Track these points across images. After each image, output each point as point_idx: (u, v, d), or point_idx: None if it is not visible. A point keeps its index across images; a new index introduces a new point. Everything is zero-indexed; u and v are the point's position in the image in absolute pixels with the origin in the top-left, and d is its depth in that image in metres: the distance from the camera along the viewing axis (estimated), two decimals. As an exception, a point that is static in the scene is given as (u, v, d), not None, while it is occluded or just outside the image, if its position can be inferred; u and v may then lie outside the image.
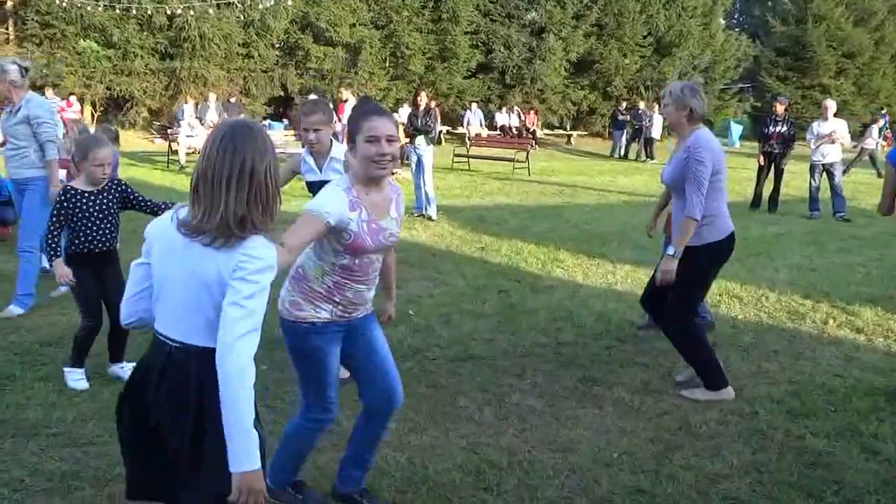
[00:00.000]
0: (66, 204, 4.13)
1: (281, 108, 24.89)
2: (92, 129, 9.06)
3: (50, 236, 4.15)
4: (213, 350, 1.88)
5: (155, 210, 4.26)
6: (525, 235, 9.36)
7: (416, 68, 25.24)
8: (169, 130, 18.24)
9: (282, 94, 24.45)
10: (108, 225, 4.24)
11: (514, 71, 26.47)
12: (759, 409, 4.25)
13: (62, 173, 6.58)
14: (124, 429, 2.11)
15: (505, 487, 3.33)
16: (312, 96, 15.17)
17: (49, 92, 19.34)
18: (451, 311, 6.02)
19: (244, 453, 1.84)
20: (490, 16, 26.53)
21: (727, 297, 6.59)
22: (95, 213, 4.19)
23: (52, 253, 4.16)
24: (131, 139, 20.99)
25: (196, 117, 18.70)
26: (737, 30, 34.76)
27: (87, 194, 4.18)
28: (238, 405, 1.83)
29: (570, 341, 5.37)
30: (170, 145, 17.26)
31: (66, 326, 5.26)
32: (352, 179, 2.72)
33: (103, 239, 4.23)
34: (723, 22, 32.72)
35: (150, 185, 12.98)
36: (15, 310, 5.53)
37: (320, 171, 4.32)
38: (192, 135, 16.63)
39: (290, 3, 21.44)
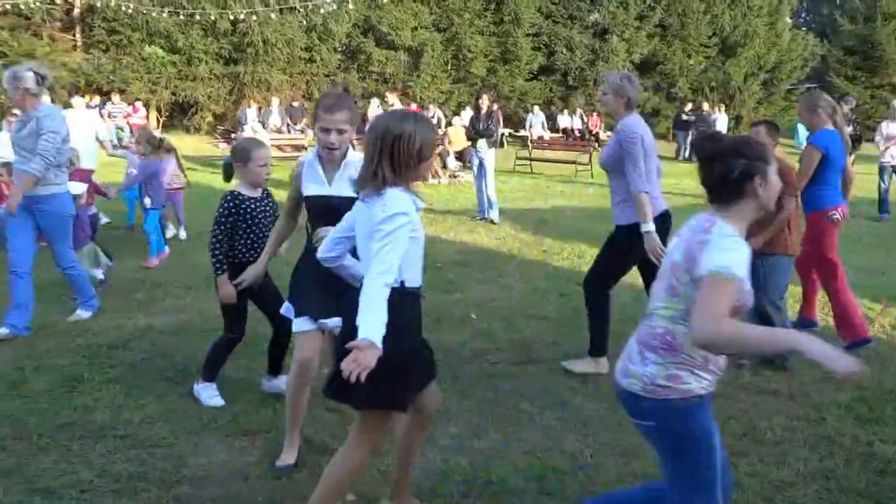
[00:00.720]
0: (234, 210, 3.86)
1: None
2: (157, 134, 9.27)
3: (217, 248, 3.89)
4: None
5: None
6: (587, 238, 9.12)
7: (478, 71, 25.17)
8: (232, 135, 18.54)
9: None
10: (266, 232, 3.93)
11: (577, 73, 26.18)
12: (827, 415, 4.07)
13: (82, 187, 6.50)
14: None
15: (568, 493, 3.23)
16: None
17: (115, 97, 19.93)
18: (513, 314, 5.92)
19: (371, 327, 2.25)
20: (552, 17, 26.30)
21: (792, 301, 6.27)
22: (260, 220, 3.93)
23: (218, 266, 3.89)
24: (195, 144, 21.42)
25: (259, 121, 19.01)
26: (804, 29, 33.60)
27: (253, 200, 3.92)
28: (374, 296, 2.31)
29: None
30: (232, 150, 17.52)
31: (133, 330, 5.34)
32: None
33: (260, 246, 3.91)
34: (789, 21, 31.71)
35: (213, 189, 13.17)
36: (83, 313, 5.50)
37: (329, 184, 3.31)
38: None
39: (351, 7, 21.58)
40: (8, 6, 19.72)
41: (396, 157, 2.42)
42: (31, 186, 4.92)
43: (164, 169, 8.08)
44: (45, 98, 5.52)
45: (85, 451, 3.48)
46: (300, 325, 3.35)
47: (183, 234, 9.01)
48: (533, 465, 3.47)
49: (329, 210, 3.16)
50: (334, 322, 3.18)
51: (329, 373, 2.73)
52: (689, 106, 24.30)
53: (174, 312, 5.79)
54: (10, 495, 3.07)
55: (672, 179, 17.40)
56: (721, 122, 22.03)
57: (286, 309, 3.48)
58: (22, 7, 20.16)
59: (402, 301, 2.47)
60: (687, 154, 23.54)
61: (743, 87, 27.81)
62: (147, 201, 7.57)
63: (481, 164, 10.45)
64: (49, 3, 20.66)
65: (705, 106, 23.90)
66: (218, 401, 4.02)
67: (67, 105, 11.54)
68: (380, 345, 2.23)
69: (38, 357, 4.67)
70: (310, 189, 3.32)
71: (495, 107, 11.62)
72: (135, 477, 3.26)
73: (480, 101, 10.73)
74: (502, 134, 20.39)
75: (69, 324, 5.42)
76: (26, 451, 3.44)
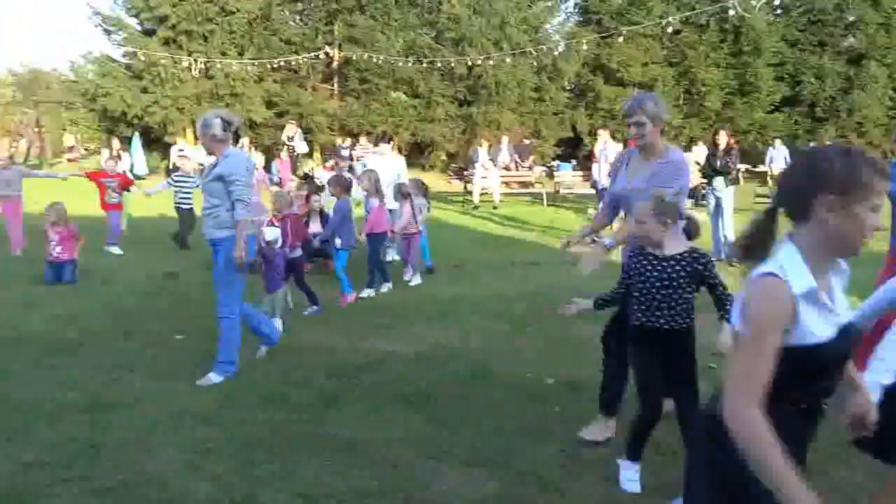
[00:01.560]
0: (631, 264, 3.61)
1: (570, 148, 25.30)
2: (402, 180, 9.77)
3: (610, 299, 3.79)
4: None
5: (723, 301, 3.52)
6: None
7: (713, 104, 24.18)
8: (465, 172, 19.41)
9: (571, 135, 24.89)
10: (678, 299, 3.48)
11: (827, 103, 24.18)
12: None
13: (275, 232, 6.29)
14: None
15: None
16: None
17: (363, 139, 21.70)
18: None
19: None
20: (798, 45, 24.61)
21: None
22: (660, 282, 3.49)
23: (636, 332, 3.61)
24: (430, 180, 22.66)
25: (489, 159, 19.70)
26: None
27: (651, 258, 3.53)
28: None
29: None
30: (465, 186, 18.35)
31: (378, 353, 5.75)
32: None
33: (671, 314, 3.49)
34: None
35: (445, 224, 13.91)
36: (214, 377, 5.06)
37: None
38: (486, 176, 17.47)
39: (585, 48, 21.83)
40: (282, 63, 22.44)
41: None
42: (243, 231, 4.93)
43: (401, 212, 8.50)
44: (244, 143, 5.94)
45: (338, 463, 3.81)
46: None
47: (417, 280, 8.63)
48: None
49: None
50: None
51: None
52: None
53: (413, 340, 6.15)
54: (278, 497, 3.45)
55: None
56: None
57: None
58: (292, 63, 22.87)
59: None
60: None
61: None
62: (338, 242, 7.57)
63: (718, 204, 10.01)
64: (314, 59, 23.22)
65: None
66: (634, 486, 3.55)
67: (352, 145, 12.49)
68: None
69: (299, 373, 5.21)
70: None
71: (733, 142, 11.09)
72: (381, 494, 3.50)
73: (718, 137, 10.31)
74: (738, 169, 19.31)
75: (325, 343, 6.00)
76: (292, 459, 3.84)
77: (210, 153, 5.13)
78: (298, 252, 7.14)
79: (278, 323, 6.17)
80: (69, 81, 24.43)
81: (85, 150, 39.74)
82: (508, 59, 22.03)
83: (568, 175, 19.71)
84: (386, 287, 8.11)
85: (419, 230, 8.76)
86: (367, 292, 7.87)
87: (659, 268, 3.49)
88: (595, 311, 3.84)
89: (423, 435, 4.17)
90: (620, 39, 20.95)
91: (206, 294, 7.36)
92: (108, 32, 22.68)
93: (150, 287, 7.80)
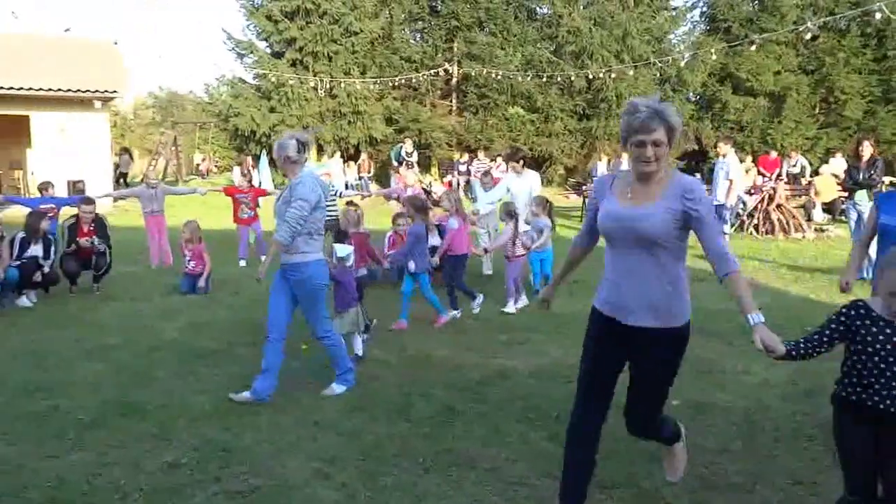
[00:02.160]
0: (846, 320, 2.86)
1: (695, 161, 24.46)
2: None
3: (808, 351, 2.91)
4: None
5: None
6: None
7: (853, 113, 22.79)
8: (583, 187, 19.12)
9: (696, 147, 24.06)
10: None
11: (981, 111, 22.27)
12: None
13: (348, 249, 5.92)
14: None
15: None
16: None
17: (481, 154, 21.84)
18: None
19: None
20: (950, 49, 22.84)
21: None
22: (883, 354, 2.77)
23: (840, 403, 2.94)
24: (548, 195, 22.43)
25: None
26: None
27: (880, 322, 2.79)
28: None
29: None
30: (584, 201, 18.06)
31: (498, 368, 5.71)
32: None
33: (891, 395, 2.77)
34: None
35: (565, 240, 13.67)
36: (337, 388, 5.16)
37: None
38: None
39: (714, 57, 21.09)
40: (402, 80, 22.99)
41: None
42: (277, 253, 4.84)
43: (508, 234, 7.97)
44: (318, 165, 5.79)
45: (460, 478, 3.79)
46: None
47: (511, 309, 7.87)
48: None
49: None
50: None
51: None
52: None
53: (534, 356, 6.07)
54: (401, 508, 3.47)
55: None
56: None
57: None
58: (413, 80, 23.38)
59: None
60: None
61: None
62: (411, 265, 7.05)
63: (860, 218, 9.34)
64: (433, 76, 23.64)
65: None
66: None
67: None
68: None
69: (421, 386, 5.24)
70: None
71: (877, 153, 10.35)
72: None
73: (861, 148, 9.64)
74: (883, 182, 18.03)
75: (445, 356, 6.01)
76: (413, 471, 3.86)
77: (285, 175, 5.00)
78: (364, 272, 6.96)
79: (357, 343, 5.91)
80: (204, 103, 25.95)
81: (216, 167, 42.17)
82: (631, 72, 21.60)
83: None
84: (457, 312, 7.46)
85: (522, 254, 8.04)
86: (453, 313, 7.40)
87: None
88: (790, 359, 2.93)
89: (544, 452, 4.10)
90: (753, 48, 20.11)
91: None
92: (240, 56, 24.04)
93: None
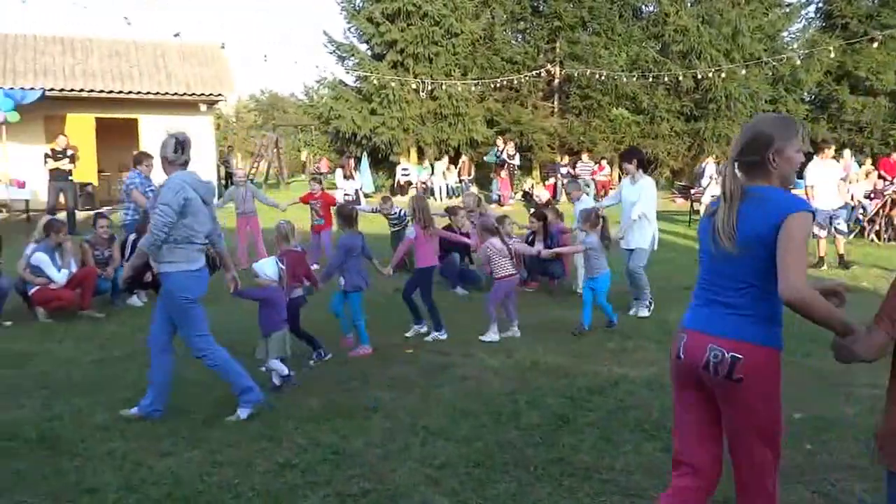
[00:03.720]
0: None
1: (804, 164, 23.30)
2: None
3: None
4: None
5: None
6: None
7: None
8: (691, 190, 18.47)
9: (810, 149, 22.89)
10: None
11: None
12: None
13: (271, 267, 5.40)
14: None
15: None
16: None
17: (584, 156, 21.43)
18: None
19: None
20: None
21: None
22: None
23: None
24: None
25: (718, 175, 18.60)
26: None
27: None
28: None
29: None
30: (692, 205, 17.42)
31: (608, 377, 5.53)
32: None
33: None
34: None
35: (672, 245, 13.24)
36: (242, 413, 4.66)
37: None
38: (716, 194, 16.44)
39: (832, 55, 19.98)
40: (504, 82, 22.89)
41: None
42: (140, 261, 4.64)
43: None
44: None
45: (574, 488, 3.66)
46: None
47: (492, 337, 6.80)
48: None
49: None
50: None
51: None
52: None
53: (645, 364, 5.85)
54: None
55: None
56: None
57: None
58: (514, 82, 23.25)
59: None
60: None
61: None
62: (341, 281, 6.31)
63: None
64: (535, 77, 23.42)
65: None
66: None
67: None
68: None
69: (530, 393, 5.12)
70: None
71: None
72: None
73: None
74: None
75: (553, 363, 5.87)
76: (525, 479, 3.75)
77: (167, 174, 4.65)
78: (300, 292, 6.01)
79: (282, 366, 5.28)
80: (306, 105, 26.58)
81: (316, 169, 43.12)
82: (744, 71, 20.72)
83: (800, 192, 18.04)
84: (424, 331, 6.77)
85: (508, 275, 6.81)
86: (434, 335, 6.67)
87: None
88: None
89: (658, 463, 3.92)
90: (875, 45, 18.89)
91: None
92: (341, 58, 24.47)
93: (381, 300, 8.08)
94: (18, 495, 3.53)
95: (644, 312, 7.66)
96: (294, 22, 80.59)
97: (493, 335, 6.66)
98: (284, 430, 4.38)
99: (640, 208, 7.68)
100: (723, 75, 20.68)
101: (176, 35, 20.46)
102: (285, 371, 5.24)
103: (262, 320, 5.24)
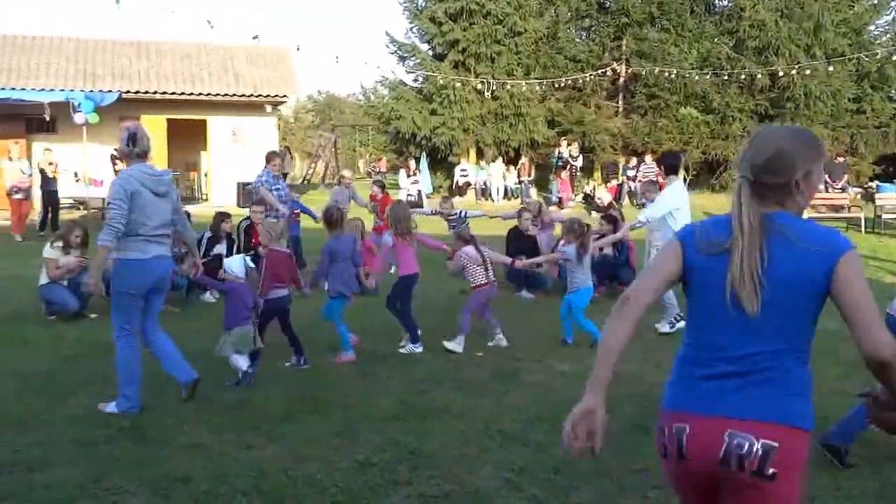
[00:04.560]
0: None
1: (892, 167, 22.20)
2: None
3: None
4: None
5: None
6: None
7: None
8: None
9: (896, 151, 21.83)
10: None
11: None
12: None
13: (238, 265, 5.55)
14: None
15: None
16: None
17: (647, 158, 20.90)
18: None
19: None
20: None
21: None
22: None
23: None
24: (722, 202, 21.29)
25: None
26: None
27: None
28: None
29: None
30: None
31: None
32: None
33: None
34: None
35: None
36: (109, 407, 4.72)
37: None
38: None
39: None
40: (567, 81, 22.61)
41: None
42: (102, 256, 4.60)
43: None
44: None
45: (660, 501, 3.52)
46: None
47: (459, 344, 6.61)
48: None
49: None
50: None
51: None
52: None
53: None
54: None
55: None
56: None
57: None
58: (578, 81, 22.93)
59: None
60: None
61: None
62: (325, 285, 6.26)
63: None
64: (599, 76, 23.03)
65: None
66: None
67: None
68: None
69: (606, 400, 4.95)
70: None
71: None
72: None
73: None
74: None
75: (628, 371, 5.67)
76: (607, 489, 3.64)
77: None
78: (283, 293, 5.82)
79: (241, 361, 5.25)
80: (366, 105, 26.71)
81: (372, 168, 43.31)
82: (831, 68, 19.93)
83: (892, 198, 17.26)
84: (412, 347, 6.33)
85: (484, 284, 6.55)
86: (410, 347, 6.31)
87: None
88: None
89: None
90: None
91: (498, 311, 7.42)
92: (402, 58, 24.52)
93: (447, 303, 8.02)
94: (117, 481, 3.65)
95: (665, 328, 7.17)
96: (355, 22, 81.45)
97: (457, 345, 6.28)
98: (360, 429, 4.38)
99: (648, 212, 7.33)
100: (808, 72, 19.93)
101: (255, 38, 20.83)
102: (244, 367, 5.22)
103: (226, 314, 5.33)
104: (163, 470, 3.78)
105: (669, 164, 7.58)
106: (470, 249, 6.55)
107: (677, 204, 7.13)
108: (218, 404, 4.81)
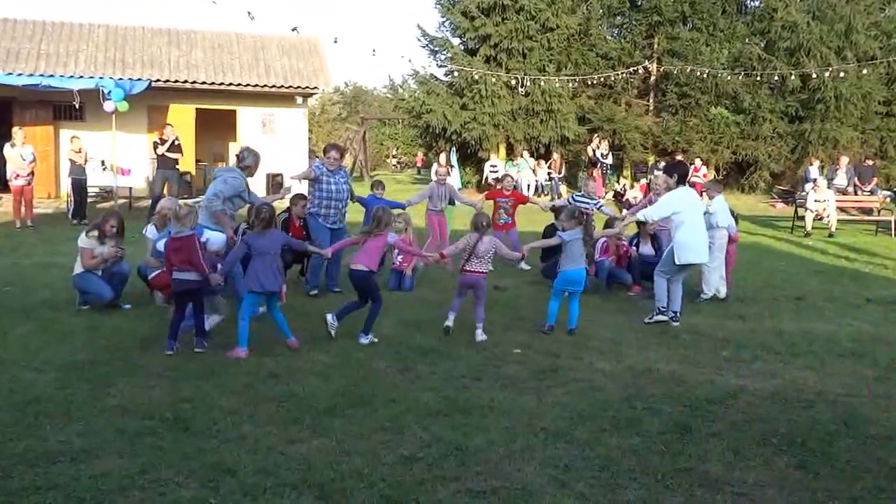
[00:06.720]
0: None
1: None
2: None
3: None
4: None
5: None
6: None
7: None
8: (795, 195, 17.75)
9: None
10: None
11: None
12: None
13: (219, 240, 6.55)
14: None
15: None
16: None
17: (678, 157, 20.75)
18: None
19: None
20: None
21: None
22: None
23: None
24: (750, 202, 21.16)
25: (825, 178, 17.78)
26: None
27: None
28: None
29: None
30: (795, 210, 16.69)
31: (726, 387, 5.36)
32: None
33: None
34: None
35: (775, 252, 12.77)
36: None
37: None
38: (819, 199, 15.61)
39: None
40: (601, 79, 22.51)
41: None
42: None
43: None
44: None
45: (707, 499, 3.56)
46: None
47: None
48: None
49: None
50: None
51: None
52: None
53: (765, 377, 5.64)
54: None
55: None
56: None
57: None
58: (609, 78, 22.82)
59: None
60: None
61: None
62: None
63: None
64: (631, 74, 22.90)
65: None
66: None
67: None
68: None
69: (645, 399, 4.99)
70: None
71: None
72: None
73: None
74: None
75: (667, 370, 5.73)
76: (654, 488, 3.66)
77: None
78: (190, 276, 5.86)
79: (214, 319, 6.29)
80: (397, 99, 26.71)
81: (398, 163, 43.38)
82: (865, 70, 19.72)
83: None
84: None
85: (471, 270, 6.60)
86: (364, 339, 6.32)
87: None
88: None
89: (793, 480, 3.80)
90: None
91: (536, 309, 7.47)
92: (433, 52, 24.51)
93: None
94: (164, 472, 3.67)
95: (651, 318, 7.31)
96: (386, 16, 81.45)
97: (448, 321, 6.62)
98: (405, 424, 4.40)
99: (648, 212, 7.62)
100: (842, 74, 19.72)
101: (294, 29, 20.91)
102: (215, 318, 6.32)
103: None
104: (209, 462, 3.79)
105: (682, 174, 7.68)
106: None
107: (679, 208, 7.29)
108: (260, 396, 4.86)
